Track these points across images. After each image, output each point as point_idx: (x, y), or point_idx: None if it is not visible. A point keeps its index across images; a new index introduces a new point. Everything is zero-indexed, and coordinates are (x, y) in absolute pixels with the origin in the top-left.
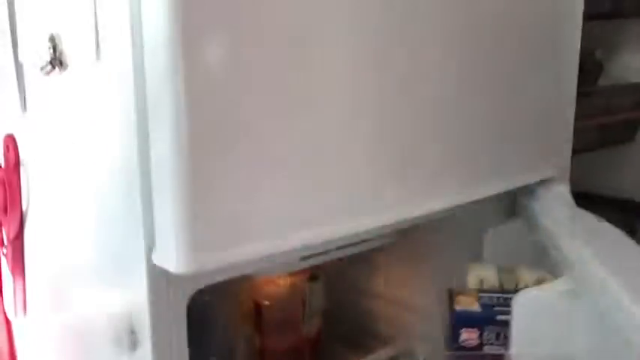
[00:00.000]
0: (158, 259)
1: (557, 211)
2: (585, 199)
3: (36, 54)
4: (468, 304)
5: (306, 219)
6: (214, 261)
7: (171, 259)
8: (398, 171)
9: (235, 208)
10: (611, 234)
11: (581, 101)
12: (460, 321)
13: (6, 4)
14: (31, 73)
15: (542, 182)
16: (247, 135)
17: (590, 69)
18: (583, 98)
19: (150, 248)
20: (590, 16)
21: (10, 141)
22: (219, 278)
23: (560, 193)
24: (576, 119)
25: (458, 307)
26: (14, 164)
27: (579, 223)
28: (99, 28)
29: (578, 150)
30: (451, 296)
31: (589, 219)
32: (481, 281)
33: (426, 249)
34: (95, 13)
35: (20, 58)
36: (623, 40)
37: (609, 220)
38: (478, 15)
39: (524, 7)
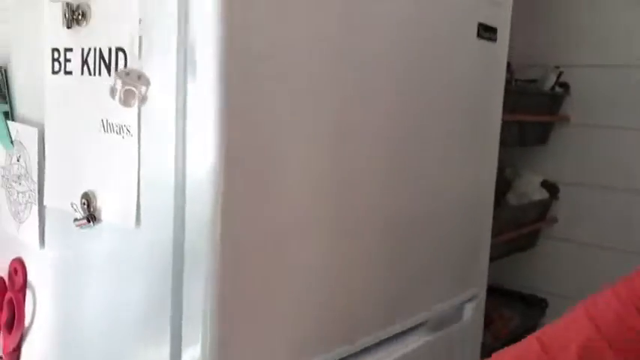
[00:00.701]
0: None
1: None
2: (499, 293)
3: (68, 204)
4: None
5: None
6: None
7: None
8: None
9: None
10: None
11: (495, 219)
12: None
13: (36, 151)
14: (54, 216)
15: None
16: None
17: (499, 185)
18: (495, 218)
19: None
20: (501, 143)
21: (19, 264)
22: None
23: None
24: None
25: None
26: (21, 286)
27: None
28: (141, 192)
29: (491, 259)
30: None
31: None
32: None
33: None
34: (138, 178)
35: (45, 202)
36: (526, 162)
37: (517, 312)
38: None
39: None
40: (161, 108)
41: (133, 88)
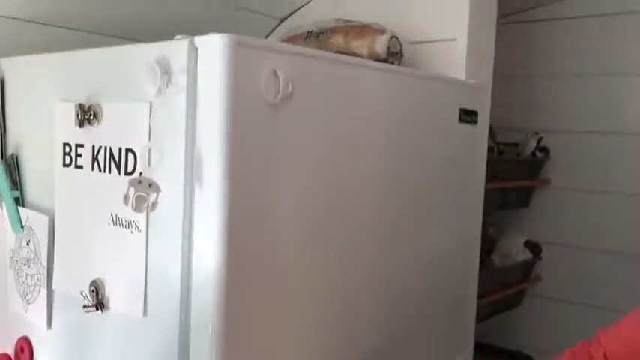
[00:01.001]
0: None
1: None
2: (487, 350)
3: (77, 291)
4: None
5: None
6: None
7: None
8: None
9: None
10: None
11: (481, 281)
12: None
13: (46, 237)
14: (62, 299)
15: None
16: None
17: (484, 245)
18: (481, 279)
19: None
20: (484, 210)
21: (25, 343)
22: None
23: None
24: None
25: None
26: None
27: None
28: (148, 284)
29: (478, 319)
30: None
31: None
32: None
33: None
34: (146, 270)
35: (54, 286)
36: (510, 224)
37: None
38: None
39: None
40: (169, 210)
41: (145, 195)
